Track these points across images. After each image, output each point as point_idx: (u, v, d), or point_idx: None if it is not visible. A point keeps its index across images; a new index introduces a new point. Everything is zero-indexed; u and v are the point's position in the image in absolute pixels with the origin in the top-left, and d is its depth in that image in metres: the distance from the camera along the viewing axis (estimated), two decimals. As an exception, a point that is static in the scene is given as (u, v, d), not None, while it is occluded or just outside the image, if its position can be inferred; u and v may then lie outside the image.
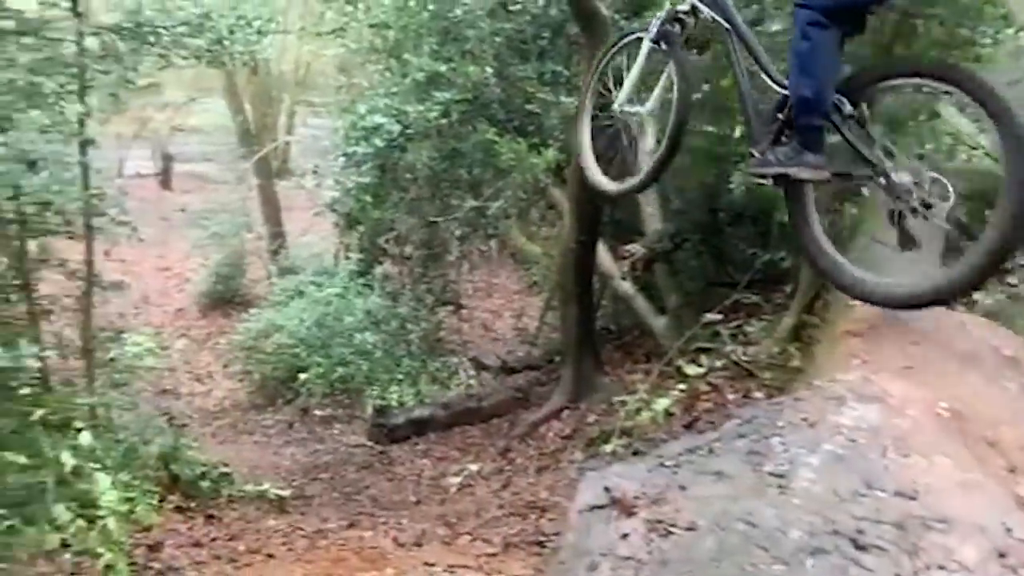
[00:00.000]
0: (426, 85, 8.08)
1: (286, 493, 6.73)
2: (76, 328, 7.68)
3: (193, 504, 6.08)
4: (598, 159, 3.39)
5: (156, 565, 4.66)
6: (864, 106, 2.53)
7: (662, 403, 5.66)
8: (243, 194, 15.62)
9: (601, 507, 2.28)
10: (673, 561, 1.93)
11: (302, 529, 5.47)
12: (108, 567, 4.25)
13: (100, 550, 4.32)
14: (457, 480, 7.04)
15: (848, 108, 2.52)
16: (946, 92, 2.45)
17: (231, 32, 6.95)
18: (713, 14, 2.86)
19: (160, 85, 12.03)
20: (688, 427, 5.37)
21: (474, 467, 7.25)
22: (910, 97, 2.74)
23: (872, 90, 2.58)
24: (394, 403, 9.72)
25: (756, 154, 2.75)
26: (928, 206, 2.42)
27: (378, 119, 8.33)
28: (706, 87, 5.57)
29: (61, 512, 4.33)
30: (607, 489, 2.32)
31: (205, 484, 6.39)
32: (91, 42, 6.65)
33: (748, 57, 2.80)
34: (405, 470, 8.13)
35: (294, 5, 16.19)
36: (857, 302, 2.84)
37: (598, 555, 2.10)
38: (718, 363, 5.68)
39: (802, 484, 2.06)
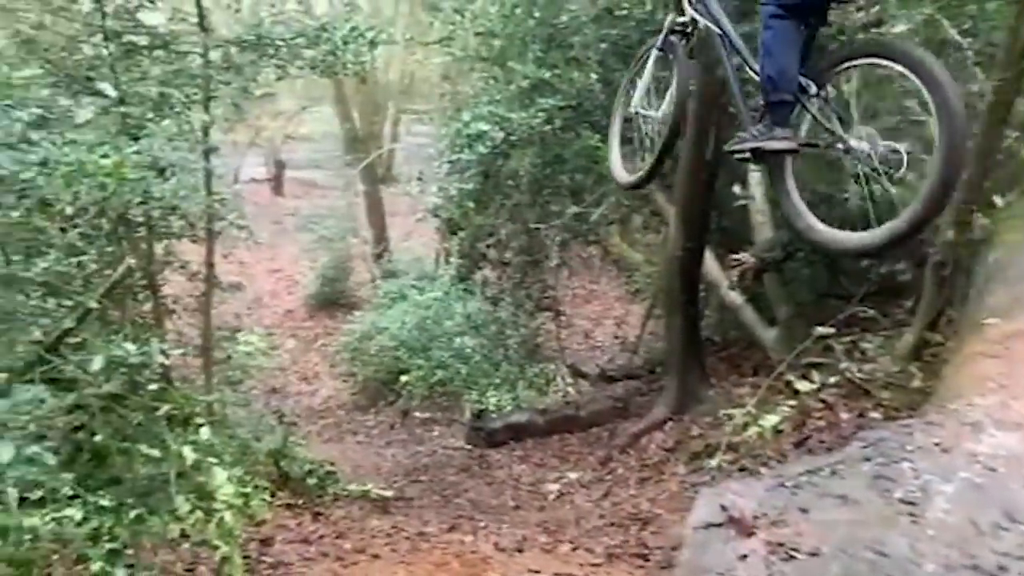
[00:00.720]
0: (530, 92, 8.12)
1: (388, 494, 6.85)
2: (196, 327, 8.09)
3: (300, 501, 6.26)
4: (624, 157, 3.82)
5: (268, 559, 4.80)
6: (828, 85, 2.87)
7: (771, 419, 5.48)
8: (349, 199, 16.11)
9: (718, 525, 2.22)
10: (797, 587, 1.85)
11: (404, 531, 5.55)
12: (224, 559, 4.39)
13: (217, 542, 4.47)
14: (556, 487, 7.02)
15: (813, 88, 2.87)
16: (894, 68, 2.74)
17: (345, 43, 7.13)
18: (707, 23, 3.24)
19: (274, 94, 12.55)
20: (798, 445, 5.17)
21: (573, 475, 7.21)
22: (870, 74, 3.01)
23: (833, 72, 2.90)
24: (492, 407, 9.79)
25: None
26: (884, 169, 2.70)
27: (482, 126, 8.42)
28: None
29: (181, 504, 4.52)
30: (723, 507, 2.26)
31: (312, 482, 6.56)
32: (215, 55, 6.97)
33: (737, 57, 3.18)
34: (503, 475, 8.17)
35: (400, 15, 16.59)
36: (991, 320, 2.86)
37: (715, 574, 2.04)
38: (831, 380, 5.45)
39: (936, 514, 1.95)
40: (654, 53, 3.59)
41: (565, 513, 6.14)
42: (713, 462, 5.46)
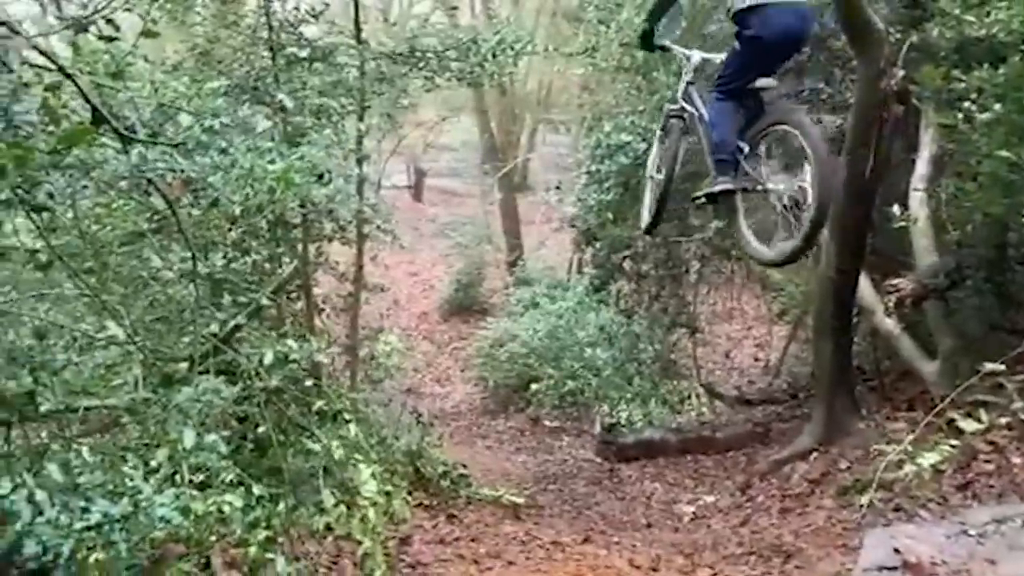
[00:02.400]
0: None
1: (520, 500, 6.88)
2: (342, 326, 8.45)
3: (435, 502, 6.37)
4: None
5: (406, 558, 4.91)
6: (758, 145, 4.03)
7: (930, 458, 5.12)
8: (485, 207, 16.43)
9: (891, 569, 2.09)
10: (990, 644, 1.71)
11: (539, 539, 5.55)
12: (367, 555, 4.52)
13: (360, 537, 4.62)
14: (691, 509, 6.85)
15: (746, 147, 4.02)
16: (789, 130, 3.85)
17: (493, 56, 7.28)
18: (691, 108, 4.33)
19: (416, 104, 12.98)
20: (962, 489, 4.80)
21: (710, 498, 7.01)
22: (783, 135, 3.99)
23: (757, 136, 4.04)
24: (623, 421, 9.68)
25: None
26: (796, 205, 3.76)
27: (624, 137, 8.37)
28: (997, 106, 5.00)
29: (327, 497, 4.70)
30: (897, 550, 2.12)
31: (446, 484, 6.67)
32: (369, 66, 7.28)
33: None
34: (635, 491, 8.05)
35: (541, 25, 16.77)
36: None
37: (894, 622, 1.92)
38: (1002, 420, 5.02)
39: None
40: (658, 133, 4.75)
41: (701, 536, 5.97)
42: (864, 499, 5.15)
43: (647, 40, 4.56)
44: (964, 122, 5.18)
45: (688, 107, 4.36)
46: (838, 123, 6.56)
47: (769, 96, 4.22)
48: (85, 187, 3.14)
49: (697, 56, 4.41)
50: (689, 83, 4.39)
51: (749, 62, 3.96)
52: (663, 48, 4.65)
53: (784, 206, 3.81)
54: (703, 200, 4.22)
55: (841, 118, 6.56)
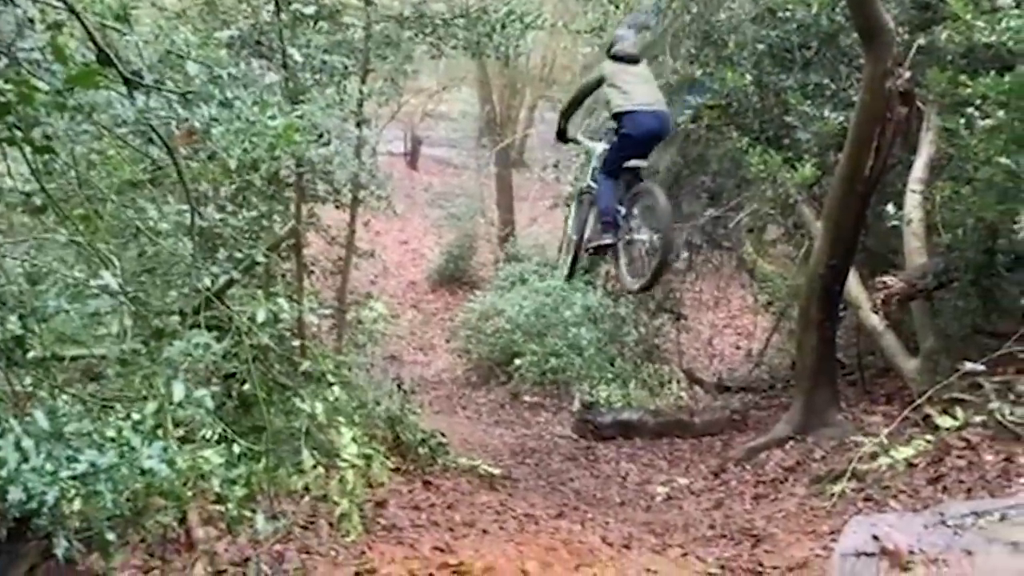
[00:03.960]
0: (678, 88, 7.99)
1: (496, 472, 6.93)
2: (331, 289, 8.44)
3: (412, 468, 6.42)
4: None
5: (382, 521, 4.94)
6: (632, 207, 5.32)
7: (905, 451, 5.23)
8: (481, 181, 16.36)
9: (869, 554, 2.14)
10: (961, 634, 1.76)
11: (513, 511, 5.61)
12: (343, 516, 4.55)
13: (337, 499, 4.64)
14: (664, 490, 6.93)
15: (623, 210, 5.34)
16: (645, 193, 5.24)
17: (502, 27, 7.21)
18: (596, 186, 5.51)
19: (417, 72, 12.87)
20: (933, 482, 4.90)
21: (683, 481, 7.10)
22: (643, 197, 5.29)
23: (632, 201, 5.33)
24: (602, 401, 9.76)
25: None
26: (653, 251, 5.07)
27: (626, 119, 8.35)
28: (1000, 113, 5.04)
29: (307, 458, 4.71)
30: (876, 537, 2.17)
31: (424, 451, 6.70)
32: (376, 28, 7.20)
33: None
34: (610, 469, 8.14)
35: (549, 1, 16.60)
36: None
37: (867, 607, 1.97)
38: (976, 418, 5.13)
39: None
40: (574, 204, 6.22)
41: (673, 517, 6.05)
42: (837, 488, 5.25)
43: (562, 135, 5.92)
44: (965, 127, 5.22)
45: (595, 185, 5.61)
46: (841, 120, 6.58)
47: (644, 172, 5.59)
48: (86, 131, 3.11)
49: (600, 146, 5.61)
50: (595, 168, 5.60)
51: (624, 150, 5.26)
52: (575, 141, 6.03)
53: (644, 251, 5.14)
54: (592, 251, 5.67)
55: (844, 115, 6.57)
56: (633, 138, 5.17)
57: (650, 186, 5.31)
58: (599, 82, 5.37)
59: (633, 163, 5.31)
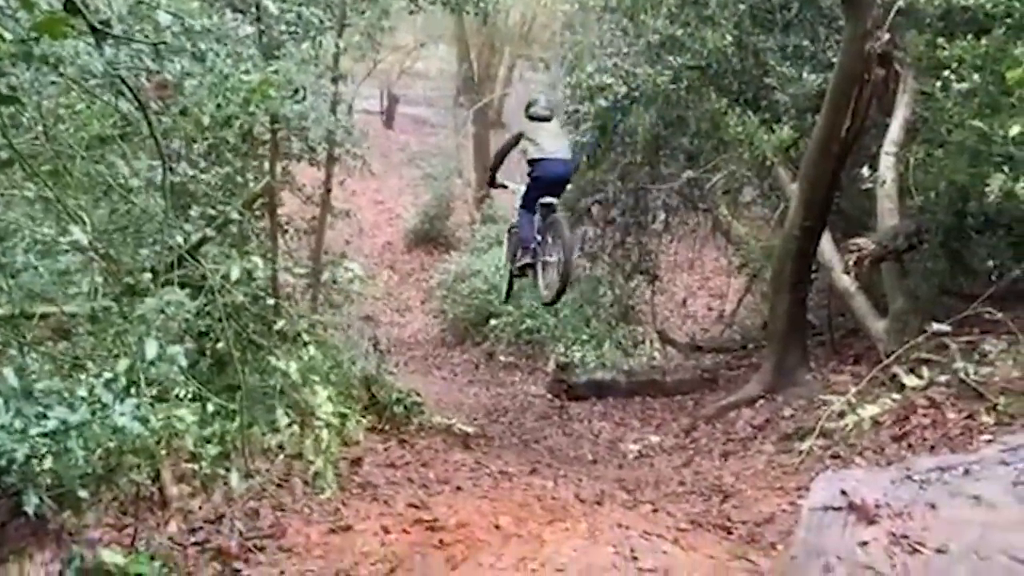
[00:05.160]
0: (659, 48, 7.92)
1: (470, 430, 7.01)
2: (305, 248, 8.37)
3: (387, 427, 6.46)
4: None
5: (357, 479, 4.98)
6: (545, 235, 6.23)
7: (871, 409, 5.34)
8: (458, 141, 16.20)
9: (836, 509, 2.19)
10: (921, 582, 1.82)
11: (487, 468, 5.67)
12: (318, 474, 4.57)
13: (312, 457, 4.66)
14: (636, 448, 7.04)
15: (539, 238, 6.24)
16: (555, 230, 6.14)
17: (482, -20, 7.10)
18: (541, 240, 6.32)
19: (394, 28, 12.63)
20: (898, 440, 5.02)
21: (655, 439, 7.21)
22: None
23: (545, 231, 6.23)
24: (576, 362, 9.85)
25: None
26: (559, 270, 5.95)
27: (606, 79, 8.27)
28: (976, 77, 5.07)
29: (281, 417, 4.71)
30: (844, 492, 2.23)
31: (399, 410, 6.75)
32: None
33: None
34: (582, 428, 8.25)
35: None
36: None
37: (833, 557, 2.03)
38: (942, 378, 5.24)
39: (1080, 529, 1.87)
40: (505, 237, 7.41)
41: (644, 474, 6.16)
42: (804, 445, 5.37)
43: (492, 181, 6.89)
44: (941, 90, 5.24)
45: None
46: (819, 82, 6.58)
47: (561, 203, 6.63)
48: (53, 83, 3.03)
49: (522, 188, 6.45)
50: (520, 206, 6.51)
51: (537, 190, 6.24)
52: (503, 185, 6.87)
53: (554, 271, 6.10)
54: (518, 271, 6.67)
55: (823, 77, 6.57)
56: (543, 180, 6.22)
57: (559, 219, 6.24)
58: (519, 138, 6.40)
59: (546, 200, 6.28)
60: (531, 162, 6.18)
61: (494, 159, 6.80)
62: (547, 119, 6.35)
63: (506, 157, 6.64)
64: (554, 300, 6.30)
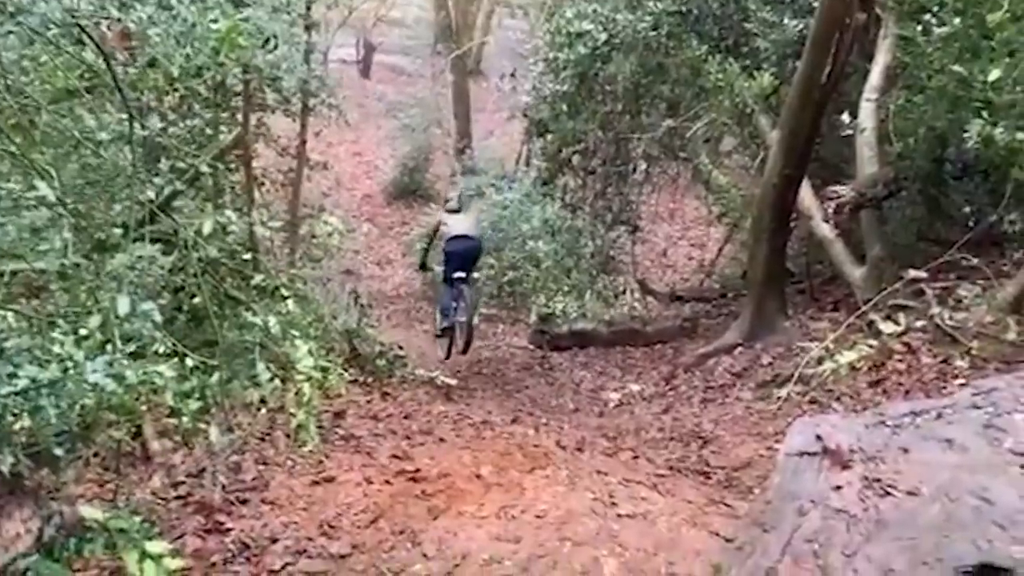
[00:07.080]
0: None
1: (452, 382, 7.02)
2: (283, 201, 8.24)
3: (370, 380, 6.48)
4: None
5: (339, 432, 5.00)
6: (457, 301, 7.90)
7: (848, 356, 5.37)
8: (436, 90, 15.93)
9: (812, 454, 2.22)
10: (892, 523, 1.85)
11: (469, 418, 5.72)
12: (300, 427, 4.58)
13: (294, 411, 4.66)
14: (617, 396, 7.11)
15: (454, 304, 7.92)
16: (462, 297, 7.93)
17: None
18: (456, 307, 7.89)
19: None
20: (874, 385, 5.10)
21: (635, 387, 7.28)
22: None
23: (457, 298, 7.88)
24: (558, 313, 9.86)
25: None
26: (464, 331, 7.92)
27: (585, 25, 8.13)
28: (956, 21, 5.02)
29: (262, 371, 4.69)
30: (819, 437, 2.26)
31: (381, 363, 6.76)
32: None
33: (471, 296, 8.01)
34: (564, 378, 8.32)
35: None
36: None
37: (807, 501, 2.06)
38: (918, 324, 5.30)
39: (1047, 468, 1.90)
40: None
41: (624, 422, 6.23)
42: (782, 392, 5.42)
43: (423, 265, 8.88)
44: (922, 35, 5.19)
45: (464, 275, 7.92)
46: (800, 27, 6.50)
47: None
48: (10, 32, 2.92)
49: (440, 268, 7.97)
50: (442, 281, 8.13)
51: (449, 264, 7.83)
52: (431, 269, 8.82)
53: (462, 329, 7.72)
54: (441, 332, 8.30)
55: (804, 22, 6.49)
56: (453, 256, 7.86)
57: (465, 290, 7.85)
58: (439, 225, 8.22)
59: (457, 275, 7.83)
60: (446, 241, 7.92)
61: (425, 243, 8.73)
62: (457, 211, 8.21)
63: (432, 241, 8.41)
64: (464, 351, 7.91)
